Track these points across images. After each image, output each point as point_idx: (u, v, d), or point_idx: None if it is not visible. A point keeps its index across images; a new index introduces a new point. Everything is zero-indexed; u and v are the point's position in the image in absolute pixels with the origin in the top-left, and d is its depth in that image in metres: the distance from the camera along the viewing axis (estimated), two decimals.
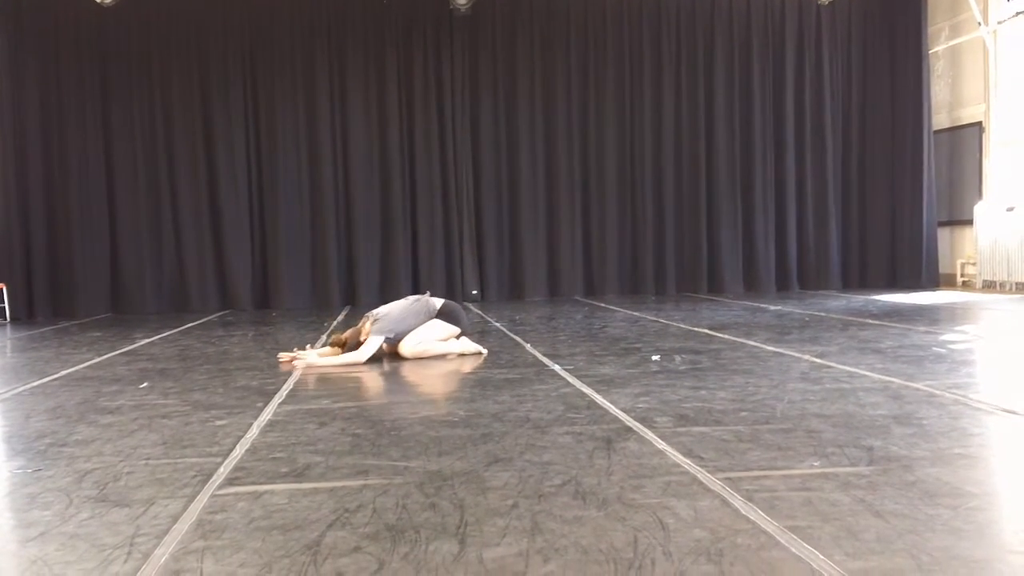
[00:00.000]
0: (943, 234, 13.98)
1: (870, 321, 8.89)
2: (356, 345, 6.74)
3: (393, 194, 13.36)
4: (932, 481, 3.18)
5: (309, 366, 6.49)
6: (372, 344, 6.65)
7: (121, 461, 3.76)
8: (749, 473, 3.34)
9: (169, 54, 12.92)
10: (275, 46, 13.13)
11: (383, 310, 6.91)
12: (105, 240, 12.78)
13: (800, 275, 14.29)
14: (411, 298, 7.12)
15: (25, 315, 12.18)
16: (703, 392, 5.04)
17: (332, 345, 6.81)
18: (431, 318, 6.88)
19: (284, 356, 6.79)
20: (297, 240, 13.21)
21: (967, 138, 13.54)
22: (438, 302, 7.01)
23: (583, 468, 3.45)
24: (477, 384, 5.62)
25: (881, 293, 12.79)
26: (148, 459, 3.79)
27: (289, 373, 6.21)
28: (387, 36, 13.35)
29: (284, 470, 3.54)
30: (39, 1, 12.52)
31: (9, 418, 4.90)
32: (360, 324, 6.89)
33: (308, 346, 6.90)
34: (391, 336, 6.74)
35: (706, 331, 8.29)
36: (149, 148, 12.93)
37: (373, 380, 6.00)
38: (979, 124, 13.27)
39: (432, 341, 6.91)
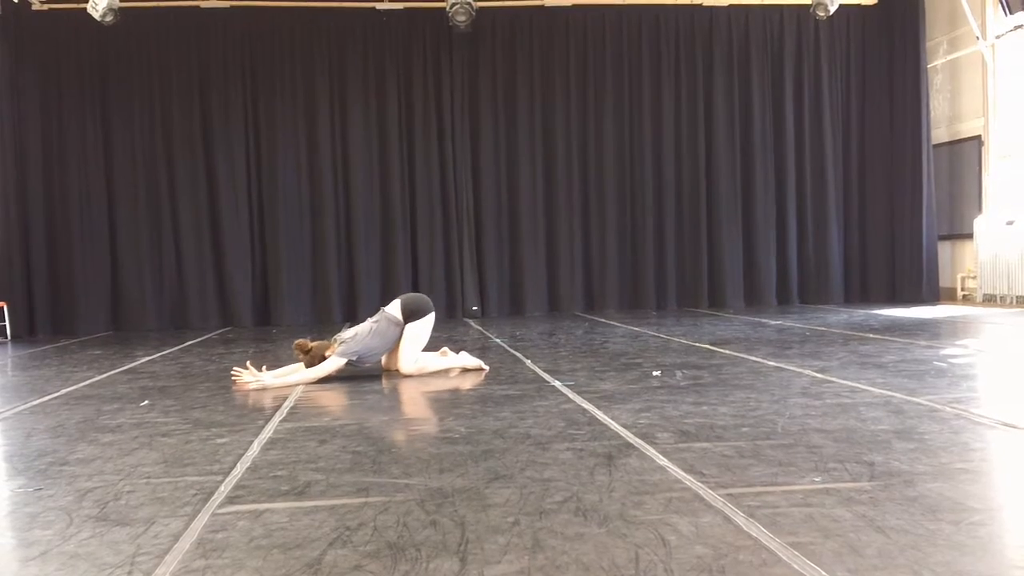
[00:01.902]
0: (943, 248, 13.98)
1: (871, 335, 8.89)
2: (320, 359, 6.66)
3: (393, 210, 13.39)
4: (934, 496, 3.18)
5: (264, 388, 6.36)
6: (330, 364, 6.58)
7: (122, 480, 3.75)
8: (751, 489, 3.33)
9: (169, 73, 12.98)
10: (275, 63, 13.19)
11: (348, 334, 6.80)
12: (106, 258, 12.81)
13: (801, 289, 14.29)
14: (369, 321, 6.94)
15: (26, 333, 12.19)
16: (704, 408, 5.04)
17: (296, 349, 6.73)
18: (400, 328, 6.77)
19: (237, 374, 6.56)
20: (297, 257, 13.23)
21: (967, 152, 13.57)
22: (395, 309, 6.83)
23: (584, 485, 3.45)
24: (478, 400, 5.62)
25: (882, 307, 12.79)
26: (149, 478, 3.78)
27: (288, 391, 6.20)
28: (387, 53, 13.41)
29: (285, 488, 3.54)
30: (40, 21, 12.59)
31: (10, 437, 4.89)
32: (329, 342, 6.80)
33: (264, 367, 6.81)
34: (354, 359, 6.66)
35: (707, 346, 8.29)
36: (149, 166, 12.97)
37: (373, 398, 6.00)
38: (978, 138, 13.29)
39: (431, 356, 6.92)
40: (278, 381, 6.52)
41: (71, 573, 2.64)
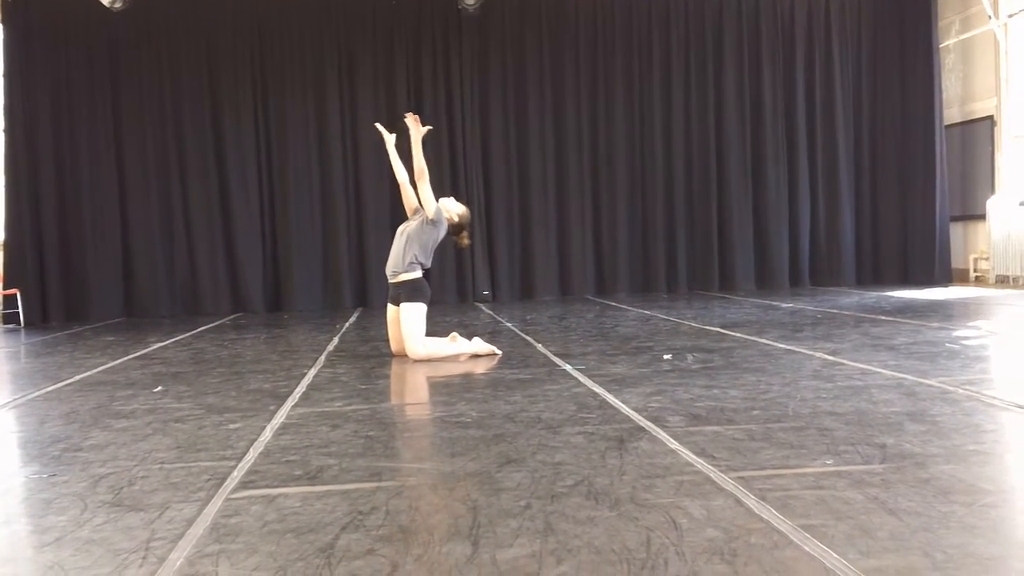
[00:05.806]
0: (956, 229, 13.92)
1: (883, 317, 8.86)
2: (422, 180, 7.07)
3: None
4: (946, 478, 3.17)
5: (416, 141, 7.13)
6: (430, 195, 7.06)
7: (135, 465, 3.78)
8: (762, 472, 3.33)
9: (179, 60, 12.97)
10: (284, 49, 13.16)
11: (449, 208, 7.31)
12: (117, 244, 12.83)
13: (812, 272, 14.25)
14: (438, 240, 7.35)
15: (39, 320, 12.24)
16: (715, 391, 5.04)
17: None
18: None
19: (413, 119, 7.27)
20: (308, 242, 13.22)
21: (979, 132, 13.49)
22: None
23: (595, 468, 3.46)
24: (489, 385, 5.63)
25: (894, 289, 12.75)
26: (162, 463, 3.80)
27: (300, 377, 6.22)
28: (396, 37, 13.36)
29: (297, 473, 3.55)
30: (48, 8, 12.58)
31: (24, 423, 4.93)
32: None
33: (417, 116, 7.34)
34: (435, 218, 7.08)
35: (718, 329, 8.28)
36: (160, 152, 12.97)
37: (384, 383, 6.01)
38: (991, 118, 13.21)
39: (442, 343, 6.92)
40: (417, 151, 7.15)
41: (86, 559, 2.66)
